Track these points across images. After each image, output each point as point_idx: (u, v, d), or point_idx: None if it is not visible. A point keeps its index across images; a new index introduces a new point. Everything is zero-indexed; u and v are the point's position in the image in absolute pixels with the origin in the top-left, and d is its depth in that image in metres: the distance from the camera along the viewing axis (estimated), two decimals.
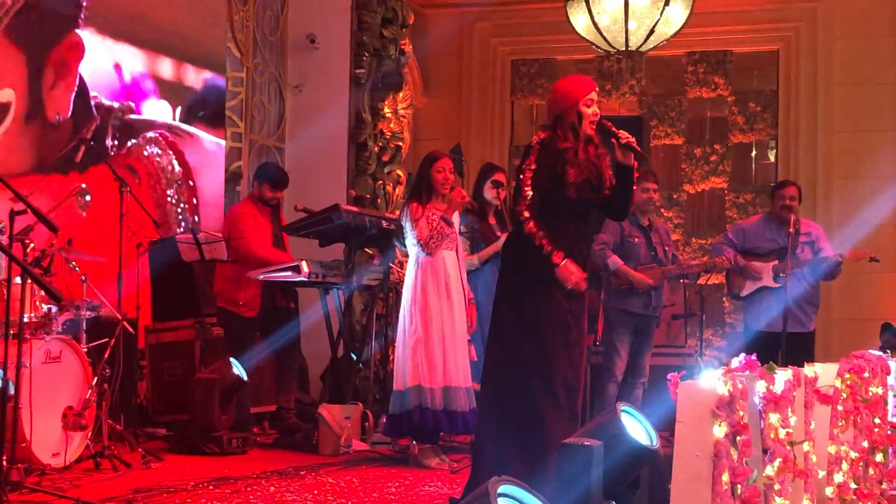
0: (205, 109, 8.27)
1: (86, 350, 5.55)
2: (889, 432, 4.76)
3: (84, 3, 7.04)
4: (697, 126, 10.59)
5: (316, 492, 5.05)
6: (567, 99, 4.50)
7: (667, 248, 7.08)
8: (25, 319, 4.96)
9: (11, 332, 4.61)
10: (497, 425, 4.45)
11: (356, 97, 9.04)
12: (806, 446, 3.75)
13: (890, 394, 4.92)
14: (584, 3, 8.12)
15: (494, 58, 10.85)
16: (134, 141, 7.57)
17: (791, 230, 6.93)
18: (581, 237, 4.61)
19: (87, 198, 5.56)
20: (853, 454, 4.24)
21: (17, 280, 4.86)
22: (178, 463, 5.82)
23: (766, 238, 7.13)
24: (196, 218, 8.10)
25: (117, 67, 7.40)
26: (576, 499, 3.37)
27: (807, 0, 10.00)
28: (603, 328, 7.29)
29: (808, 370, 3.94)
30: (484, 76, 10.84)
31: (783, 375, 3.48)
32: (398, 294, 6.80)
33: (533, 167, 4.42)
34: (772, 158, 10.44)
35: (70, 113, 6.86)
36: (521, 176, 4.42)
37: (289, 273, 6.54)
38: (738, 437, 3.04)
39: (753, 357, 3.41)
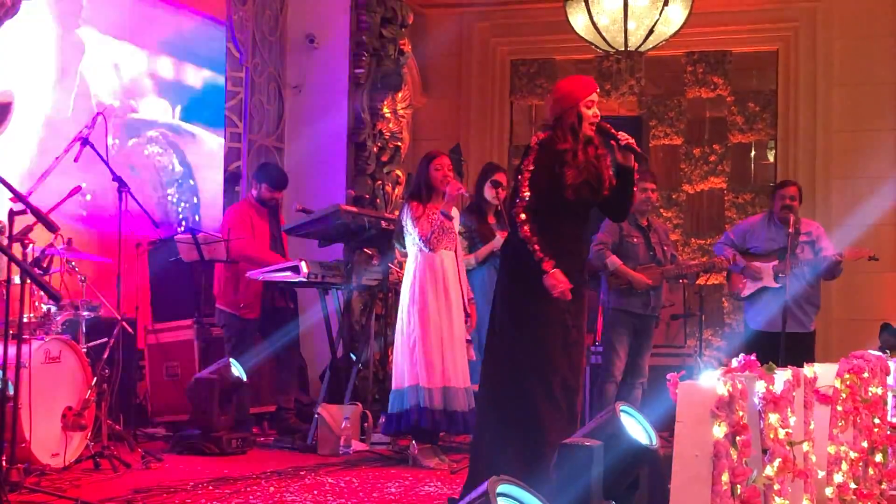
0: (204, 109, 8.27)
1: (85, 350, 5.55)
2: (888, 432, 4.76)
3: (84, 2, 7.05)
4: (696, 126, 10.58)
5: (315, 492, 5.05)
6: (567, 100, 4.50)
7: (665, 248, 7.08)
8: (25, 319, 4.96)
9: (11, 332, 4.61)
10: (496, 426, 4.45)
11: (355, 97, 9.04)
12: (805, 446, 3.75)
13: (889, 394, 4.92)
14: (583, 3, 8.12)
15: (494, 58, 10.84)
16: (135, 140, 7.57)
17: (791, 230, 6.93)
18: (579, 238, 4.62)
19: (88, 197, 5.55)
20: (853, 454, 4.24)
21: (17, 280, 4.86)
22: (177, 463, 5.82)
23: (767, 238, 7.14)
24: (197, 217, 8.11)
25: (116, 67, 7.40)
26: (576, 499, 3.37)
27: (806, 0, 9.99)
28: (602, 328, 7.29)
29: (808, 370, 3.94)
30: (483, 76, 10.83)
31: (782, 375, 3.49)
32: (397, 294, 6.80)
33: (531, 168, 4.42)
34: (771, 158, 10.43)
35: (70, 113, 6.87)
36: (520, 177, 4.43)
37: (288, 273, 6.54)
38: (738, 438, 3.04)
39: (753, 357, 3.42)
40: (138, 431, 6.52)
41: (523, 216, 4.37)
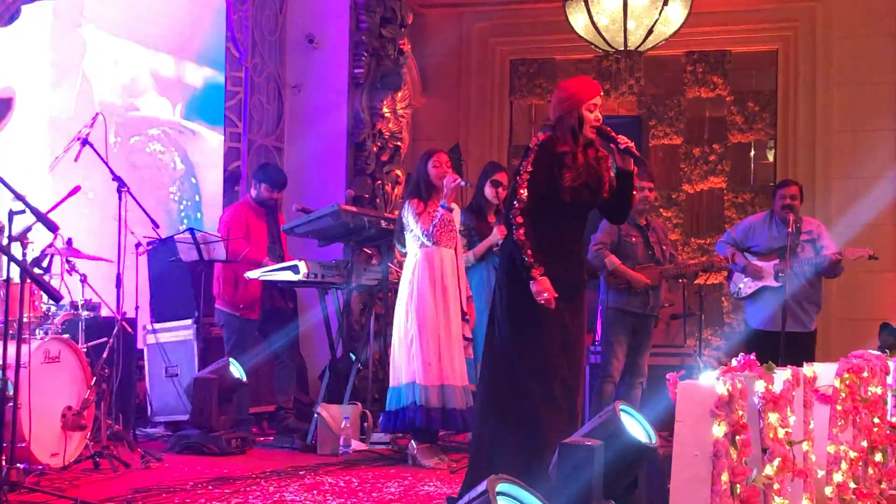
0: (205, 107, 8.28)
1: (85, 350, 5.54)
2: (888, 432, 4.77)
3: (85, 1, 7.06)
4: (696, 126, 10.58)
5: (315, 492, 5.05)
6: (570, 101, 4.50)
7: (664, 248, 7.08)
8: (24, 319, 4.96)
9: (10, 332, 4.61)
10: (495, 425, 4.45)
11: (355, 97, 9.04)
12: (805, 446, 3.75)
13: (889, 393, 4.92)
14: (582, 3, 8.12)
15: (493, 58, 10.84)
16: (137, 138, 7.58)
17: (791, 230, 6.93)
18: (577, 239, 4.63)
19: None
20: (852, 454, 4.24)
21: (16, 280, 4.86)
22: (177, 463, 5.81)
23: (768, 237, 7.14)
24: (199, 215, 8.12)
25: (117, 64, 7.41)
26: (576, 498, 3.38)
27: (806, 0, 9.99)
28: (600, 328, 7.29)
29: (807, 370, 3.94)
30: (483, 76, 10.83)
31: (782, 375, 3.49)
32: (397, 294, 6.80)
33: (530, 170, 4.43)
34: (770, 158, 10.43)
35: (73, 111, 6.87)
36: (518, 178, 4.44)
37: (287, 273, 6.54)
38: (738, 437, 3.05)
39: (752, 357, 3.42)
40: (138, 431, 6.52)
41: (520, 219, 4.38)
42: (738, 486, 3.03)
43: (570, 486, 3.37)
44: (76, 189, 5.67)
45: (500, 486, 2.65)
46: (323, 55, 9.05)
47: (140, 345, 6.95)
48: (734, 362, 3.39)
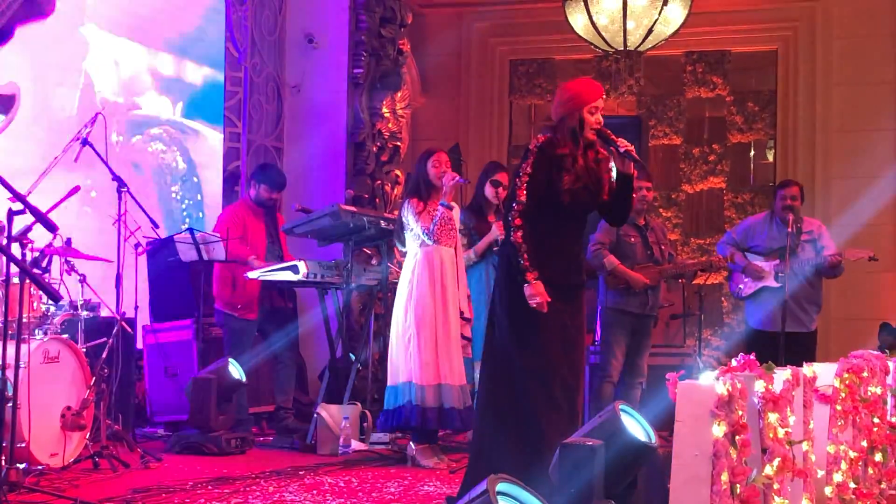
0: (205, 106, 8.28)
1: (84, 350, 5.54)
2: (888, 432, 4.76)
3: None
4: (696, 126, 10.58)
5: (315, 492, 5.04)
6: (572, 103, 4.49)
7: (663, 248, 7.08)
8: (24, 320, 4.95)
9: (10, 332, 4.60)
10: (495, 425, 4.45)
11: (354, 97, 9.04)
12: (805, 446, 3.75)
13: (889, 393, 4.92)
14: (582, 3, 8.12)
15: (493, 58, 10.84)
16: (138, 137, 7.58)
17: (791, 230, 6.93)
18: (576, 240, 4.63)
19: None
20: (852, 454, 4.24)
21: (16, 280, 4.85)
22: (176, 463, 5.81)
23: (768, 237, 7.14)
24: (201, 214, 8.12)
25: (117, 64, 7.41)
26: (577, 498, 3.37)
27: (805, 0, 9.99)
28: (599, 329, 7.29)
29: (807, 370, 3.94)
30: (482, 76, 10.82)
31: (782, 375, 3.49)
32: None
33: (529, 172, 4.42)
34: (770, 158, 10.43)
35: (76, 110, 6.87)
36: (517, 180, 4.44)
37: (286, 273, 6.54)
38: (737, 437, 3.04)
39: (752, 356, 3.42)
40: (137, 431, 6.52)
41: (518, 221, 4.38)
42: (738, 486, 3.03)
43: (570, 486, 3.37)
44: (76, 189, 5.67)
45: (500, 486, 2.65)
46: (322, 55, 9.05)
47: (139, 345, 6.94)
48: (734, 362, 3.39)
